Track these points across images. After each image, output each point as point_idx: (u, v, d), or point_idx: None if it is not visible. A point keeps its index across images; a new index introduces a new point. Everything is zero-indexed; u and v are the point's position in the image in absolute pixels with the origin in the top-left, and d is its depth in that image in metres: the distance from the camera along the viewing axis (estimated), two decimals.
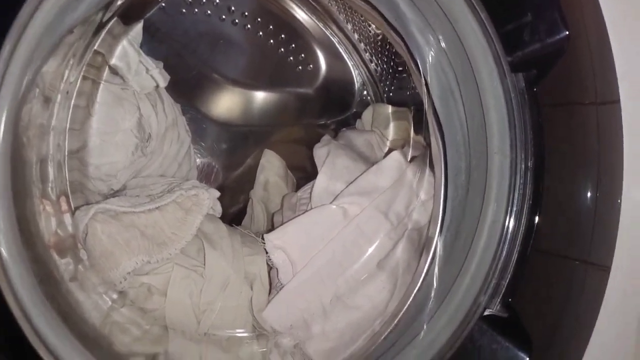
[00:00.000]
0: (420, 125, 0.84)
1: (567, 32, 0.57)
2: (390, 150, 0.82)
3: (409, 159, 0.81)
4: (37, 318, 0.48)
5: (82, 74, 0.61)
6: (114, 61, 0.68)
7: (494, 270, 0.64)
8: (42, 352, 0.47)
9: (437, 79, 0.70)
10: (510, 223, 0.65)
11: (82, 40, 0.60)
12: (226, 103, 1.02)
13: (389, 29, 0.69)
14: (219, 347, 0.70)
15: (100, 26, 0.59)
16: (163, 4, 0.83)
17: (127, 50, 0.69)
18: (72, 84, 0.60)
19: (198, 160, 0.97)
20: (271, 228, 0.92)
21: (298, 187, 1.06)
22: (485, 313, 0.63)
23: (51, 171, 0.60)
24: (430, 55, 0.68)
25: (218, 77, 1.00)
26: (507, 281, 0.63)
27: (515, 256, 0.64)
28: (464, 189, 0.71)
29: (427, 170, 0.79)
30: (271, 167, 0.99)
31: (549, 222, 0.66)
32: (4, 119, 0.46)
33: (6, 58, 0.46)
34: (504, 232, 0.65)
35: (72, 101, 0.61)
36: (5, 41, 0.46)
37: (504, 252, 0.65)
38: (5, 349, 0.46)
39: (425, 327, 0.65)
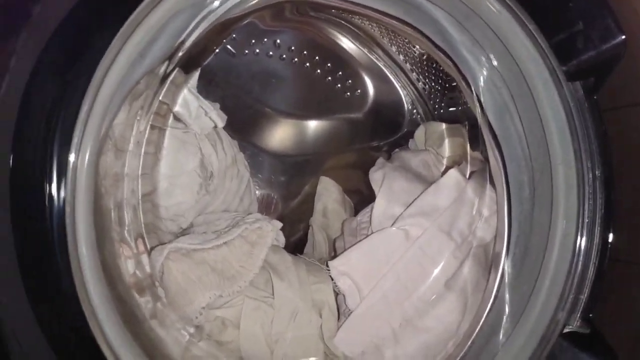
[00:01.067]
0: (476, 140, 0.83)
1: (624, 37, 0.55)
2: (447, 169, 0.81)
3: (467, 176, 0.80)
4: (125, 357, 0.51)
5: (149, 123, 0.66)
6: (177, 108, 0.73)
7: (570, 285, 0.62)
8: None
9: (490, 96, 0.69)
10: (583, 236, 0.63)
11: (148, 92, 0.64)
12: (280, 135, 1.05)
13: (437, 52, 0.69)
14: None
15: (164, 77, 0.63)
16: (217, 50, 0.87)
17: (188, 96, 0.73)
18: (141, 133, 0.65)
19: (257, 192, 1.00)
20: (334, 254, 0.93)
21: (356, 210, 1.07)
22: (565, 330, 0.61)
23: (127, 215, 0.64)
24: (482, 74, 0.68)
25: (271, 111, 1.03)
26: (586, 295, 0.61)
27: (592, 269, 0.62)
28: (529, 203, 0.70)
29: (488, 185, 0.78)
30: (328, 193, 1.01)
31: (625, 229, 0.63)
32: (84, 172, 0.50)
33: (84, 117, 0.50)
34: (577, 245, 0.63)
35: (143, 149, 0.65)
36: (84, 100, 0.50)
37: (579, 266, 0.62)
38: None
39: (500, 347, 0.63)
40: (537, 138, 0.67)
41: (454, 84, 0.98)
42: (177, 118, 0.75)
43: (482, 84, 0.69)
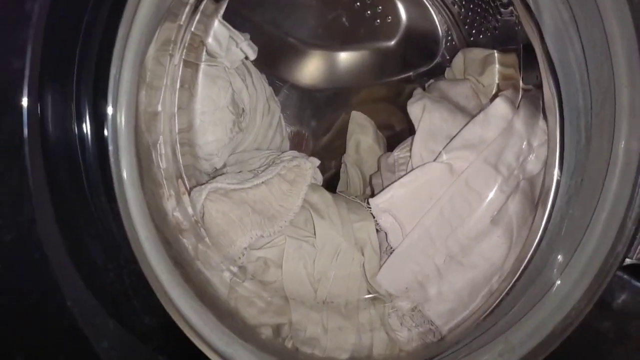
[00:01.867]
0: (526, 66, 0.77)
1: None
2: (494, 97, 0.76)
3: (516, 105, 0.75)
4: (178, 300, 0.50)
5: (183, 57, 0.61)
6: (209, 40, 0.68)
7: (630, 216, 0.59)
8: (188, 332, 0.49)
9: (549, 16, 0.63)
10: None
11: (178, 23, 0.59)
12: (308, 68, 1.00)
13: None
14: (339, 314, 0.70)
15: (196, 7, 0.58)
16: None
17: (218, 27, 0.68)
18: (175, 67, 0.60)
19: (287, 129, 0.97)
20: (371, 191, 0.90)
21: (388, 145, 1.03)
22: (626, 263, 0.58)
23: (166, 155, 0.61)
24: None
25: (298, 43, 0.97)
26: None
27: None
28: (586, 132, 0.65)
29: (539, 114, 0.73)
30: (361, 128, 0.97)
31: None
32: (124, 106, 0.46)
33: (121, 45, 0.46)
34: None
35: (178, 85, 0.61)
36: (119, 28, 0.46)
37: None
38: (156, 333, 0.48)
39: (558, 281, 0.61)
40: (599, 59, 0.61)
41: (492, 6, 0.91)
42: (208, 52, 0.70)
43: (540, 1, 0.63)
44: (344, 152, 1.00)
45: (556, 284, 0.62)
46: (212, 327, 0.51)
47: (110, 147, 0.45)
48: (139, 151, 0.51)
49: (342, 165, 0.99)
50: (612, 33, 0.59)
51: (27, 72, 0.41)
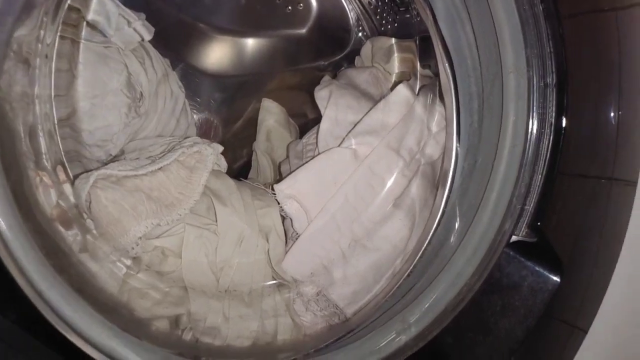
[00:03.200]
0: (424, 55, 0.79)
1: None
2: (395, 84, 0.77)
3: (416, 92, 0.77)
4: (48, 292, 0.46)
5: (58, 33, 0.56)
6: (91, 16, 0.63)
7: (517, 194, 0.62)
8: (60, 327, 0.46)
9: (442, 3, 0.65)
10: (531, 146, 0.62)
11: None
12: (216, 53, 0.97)
13: None
14: (242, 302, 0.69)
15: None
16: None
17: (104, 2, 0.64)
18: (49, 46, 0.55)
19: (195, 117, 0.93)
20: (279, 178, 0.89)
21: (301, 133, 1.03)
22: (512, 239, 0.61)
23: (43, 142, 0.56)
24: None
25: (205, 26, 0.94)
26: (533, 205, 0.61)
27: (539, 178, 0.62)
28: (479, 115, 0.68)
29: (437, 101, 0.75)
30: (271, 115, 0.95)
31: (572, 142, 0.63)
32: None
33: None
34: (525, 156, 0.62)
35: (53, 65, 0.56)
36: None
37: (526, 176, 0.62)
38: (22, 327, 0.44)
39: (452, 259, 0.63)
40: (488, 45, 0.64)
41: None
42: (94, 29, 0.66)
43: None
44: (255, 140, 0.98)
45: (449, 263, 0.64)
46: (91, 320, 0.47)
47: None
48: (4, 137, 0.46)
49: (253, 153, 0.97)
50: (499, 20, 0.61)
51: None
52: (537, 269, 0.60)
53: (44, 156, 0.56)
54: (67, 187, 0.58)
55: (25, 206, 0.46)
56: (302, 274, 0.74)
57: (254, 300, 0.69)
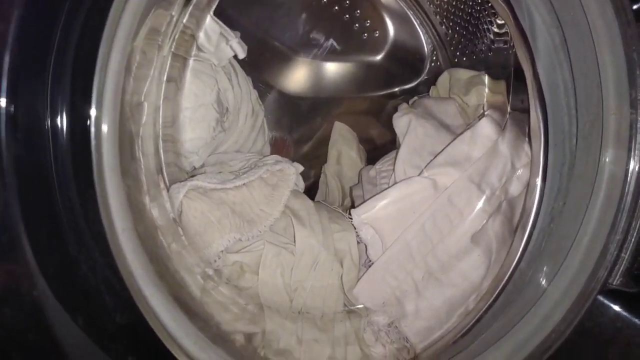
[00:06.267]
0: (514, 89, 0.78)
1: None
2: (481, 117, 0.76)
3: (502, 127, 0.76)
4: (152, 299, 0.46)
5: (172, 49, 0.58)
6: (200, 34, 0.65)
7: (613, 240, 0.59)
8: (162, 335, 0.46)
9: (543, 41, 0.64)
10: (630, 191, 0.60)
11: (170, 13, 0.56)
12: (293, 75, 0.98)
13: None
14: (315, 326, 0.67)
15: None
16: None
17: (210, 22, 0.66)
18: (164, 58, 0.57)
19: (269, 134, 0.94)
20: (352, 203, 0.89)
21: (368, 159, 1.02)
22: (607, 287, 0.58)
23: (148, 147, 0.57)
24: (535, 15, 0.63)
25: (285, 48, 0.96)
26: (631, 252, 0.58)
27: (637, 226, 0.59)
28: (572, 155, 0.66)
29: (524, 138, 0.74)
30: (344, 140, 0.96)
31: None
32: (111, 89, 0.43)
33: (111, 28, 0.43)
34: (624, 200, 0.59)
35: (165, 77, 0.58)
36: (110, 14, 0.43)
37: (623, 221, 0.59)
38: (126, 331, 0.44)
39: (539, 303, 0.61)
40: (589, 85, 0.62)
41: (478, 28, 0.92)
42: (197, 47, 0.68)
43: (536, 26, 0.63)
44: (324, 162, 0.98)
45: (536, 306, 0.61)
46: (187, 331, 0.47)
47: (93, 130, 0.41)
48: (122, 140, 0.47)
49: (322, 175, 0.97)
50: (603, 61, 0.60)
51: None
52: (635, 321, 0.57)
53: (148, 163, 0.57)
54: (164, 194, 0.59)
55: (135, 210, 0.47)
56: (373, 302, 0.73)
57: (327, 325, 0.68)
